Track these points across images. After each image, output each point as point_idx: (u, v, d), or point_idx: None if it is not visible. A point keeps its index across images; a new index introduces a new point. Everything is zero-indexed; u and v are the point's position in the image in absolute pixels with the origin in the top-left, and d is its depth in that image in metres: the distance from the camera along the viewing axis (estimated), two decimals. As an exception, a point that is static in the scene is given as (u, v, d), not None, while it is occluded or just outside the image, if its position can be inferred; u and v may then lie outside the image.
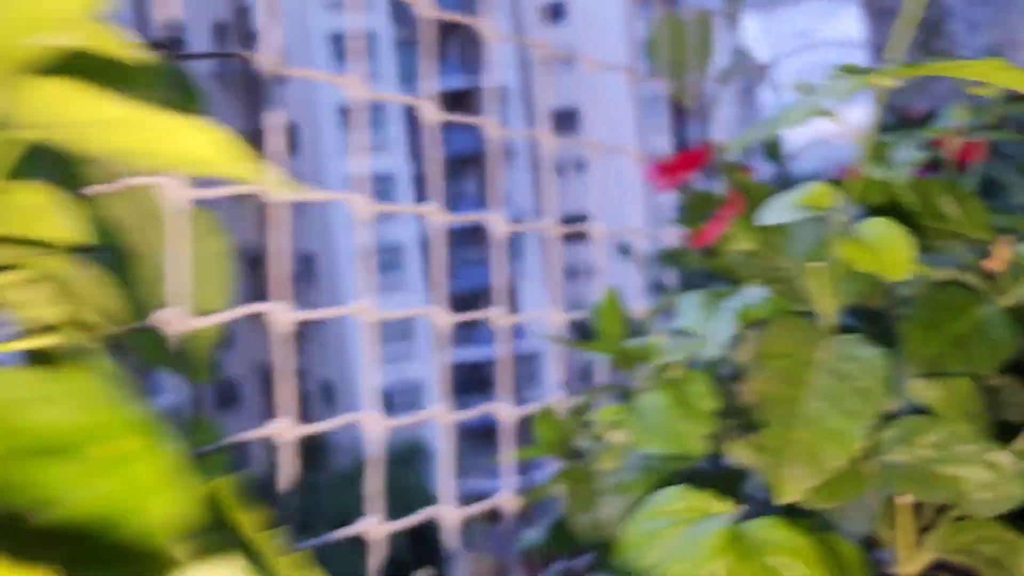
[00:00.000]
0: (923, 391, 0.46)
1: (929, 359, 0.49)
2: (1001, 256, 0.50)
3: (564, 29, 15.00)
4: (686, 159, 0.82)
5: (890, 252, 0.36)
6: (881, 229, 0.38)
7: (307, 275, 14.69)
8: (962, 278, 0.56)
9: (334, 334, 13.69)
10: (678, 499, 0.38)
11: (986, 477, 0.42)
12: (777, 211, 0.40)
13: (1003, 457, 0.43)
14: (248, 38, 14.90)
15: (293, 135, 13.39)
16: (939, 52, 1.45)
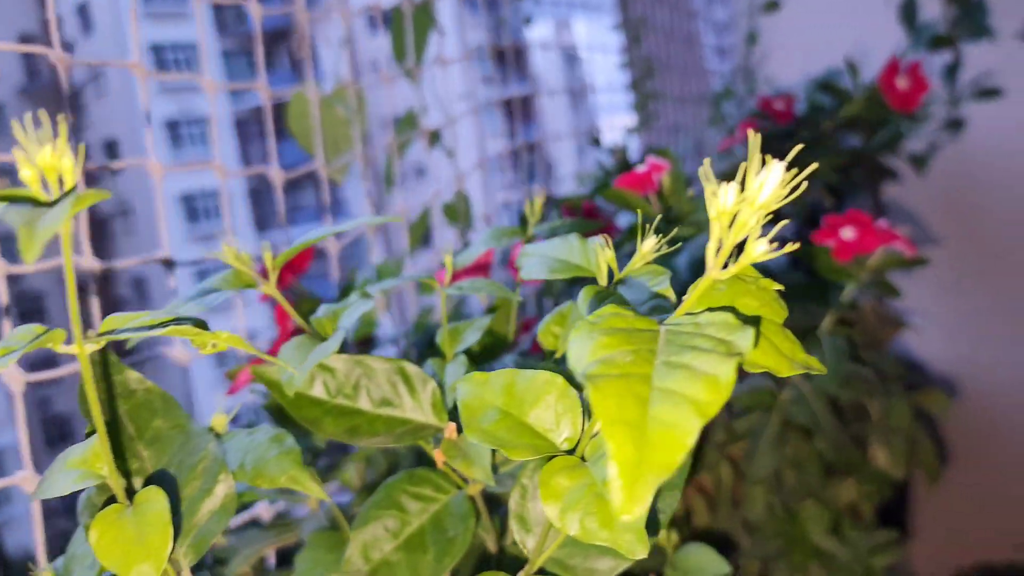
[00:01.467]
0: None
1: (374, 566, 0.42)
2: (449, 444, 0.44)
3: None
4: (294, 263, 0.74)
5: (138, 544, 0.29)
6: (149, 504, 0.31)
7: (141, 298, 14.08)
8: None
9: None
10: None
11: None
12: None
13: None
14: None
15: (112, 151, 12.75)
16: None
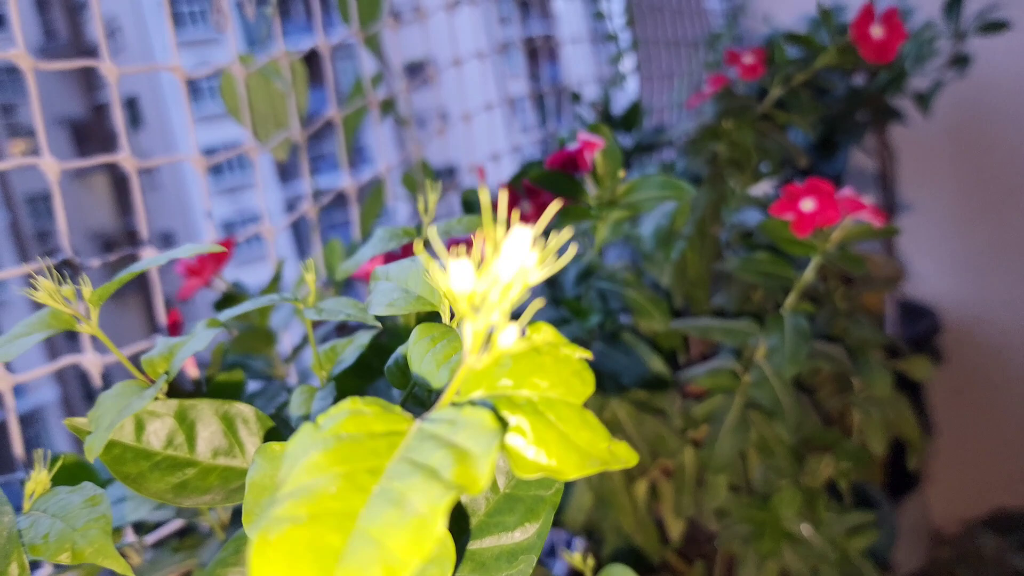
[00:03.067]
0: None
1: None
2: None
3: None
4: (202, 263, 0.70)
5: None
6: None
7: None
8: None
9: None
10: None
11: None
12: None
13: None
14: (74, 10, 14.01)
15: (135, 109, 12.71)
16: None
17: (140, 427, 0.39)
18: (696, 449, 0.84)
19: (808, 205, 0.73)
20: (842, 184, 1.19)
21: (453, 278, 0.20)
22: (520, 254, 0.20)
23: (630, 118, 1.36)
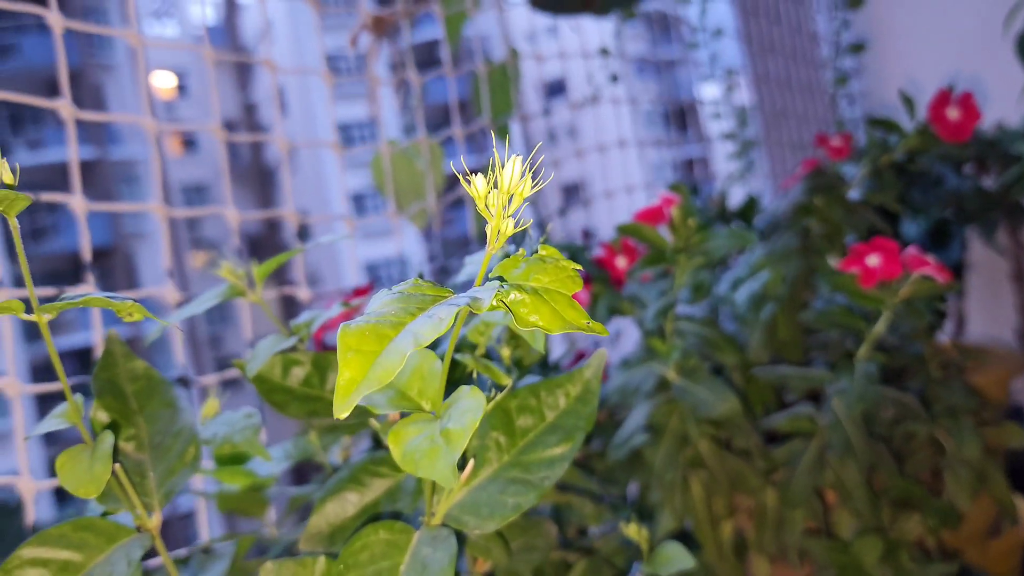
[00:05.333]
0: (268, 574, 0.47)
1: (333, 529, 0.50)
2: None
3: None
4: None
5: (86, 472, 0.39)
6: (100, 445, 0.41)
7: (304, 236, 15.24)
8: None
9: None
10: None
11: None
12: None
13: None
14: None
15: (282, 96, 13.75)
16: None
17: (286, 369, 0.53)
18: (776, 489, 0.90)
19: (873, 260, 0.81)
20: (962, 276, 1.24)
21: (474, 185, 0.33)
22: (515, 177, 0.32)
23: (746, 211, 1.46)
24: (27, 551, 0.41)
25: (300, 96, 14.45)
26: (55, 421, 0.41)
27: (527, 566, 0.53)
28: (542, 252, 0.37)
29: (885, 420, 0.93)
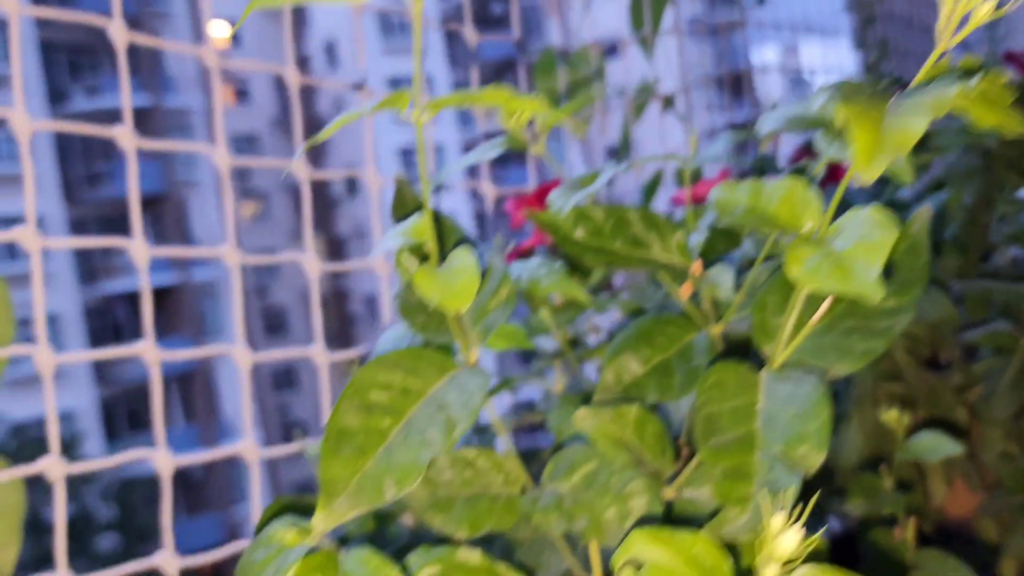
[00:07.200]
0: (583, 420, 0.46)
1: (625, 386, 0.49)
2: (695, 278, 0.50)
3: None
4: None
5: (450, 284, 0.37)
6: (457, 259, 0.38)
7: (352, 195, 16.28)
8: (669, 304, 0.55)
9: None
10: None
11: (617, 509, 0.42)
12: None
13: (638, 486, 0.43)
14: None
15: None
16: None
17: (574, 222, 0.51)
18: (969, 410, 0.87)
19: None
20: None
21: None
22: None
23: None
24: (369, 374, 0.39)
25: (351, 50, 14.45)
26: (400, 239, 0.39)
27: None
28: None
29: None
